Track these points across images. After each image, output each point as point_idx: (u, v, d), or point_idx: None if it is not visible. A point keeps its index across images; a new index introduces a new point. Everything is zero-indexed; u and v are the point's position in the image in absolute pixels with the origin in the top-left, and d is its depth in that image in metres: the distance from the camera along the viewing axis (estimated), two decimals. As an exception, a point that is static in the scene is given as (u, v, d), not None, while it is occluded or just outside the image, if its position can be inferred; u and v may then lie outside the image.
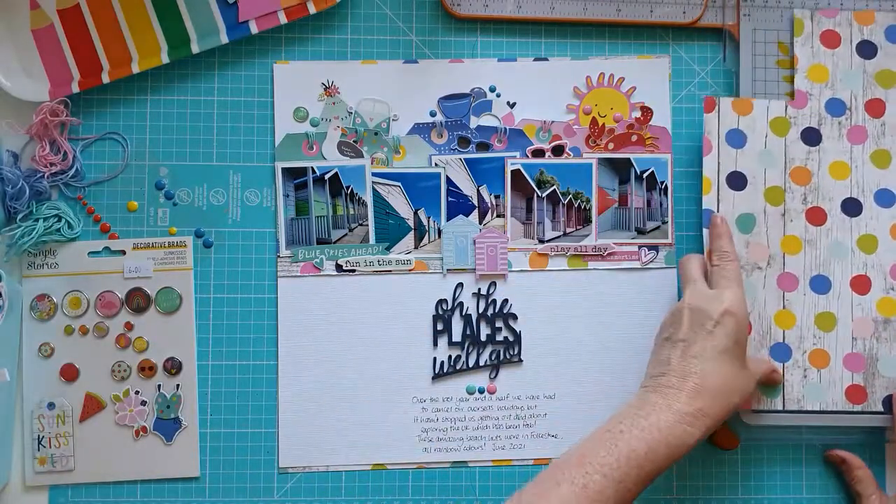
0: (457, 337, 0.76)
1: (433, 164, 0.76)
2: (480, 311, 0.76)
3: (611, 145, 0.77)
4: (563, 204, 0.77)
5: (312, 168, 0.76)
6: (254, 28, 0.76)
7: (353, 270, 0.76)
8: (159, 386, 0.76)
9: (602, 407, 0.76)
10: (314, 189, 0.76)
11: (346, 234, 0.76)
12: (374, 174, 0.76)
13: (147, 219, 0.77)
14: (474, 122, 0.77)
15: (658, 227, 0.77)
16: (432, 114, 0.77)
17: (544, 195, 0.77)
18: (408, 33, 0.79)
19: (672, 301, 0.76)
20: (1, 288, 0.71)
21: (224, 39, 0.76)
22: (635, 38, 0.79)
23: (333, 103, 0.76)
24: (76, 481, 0.75)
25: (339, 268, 0.76)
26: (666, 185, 0.77)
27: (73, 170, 0.76)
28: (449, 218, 0.76)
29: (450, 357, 0.76)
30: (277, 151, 0.76)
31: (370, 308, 0.76)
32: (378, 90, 0.77)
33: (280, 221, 0.76)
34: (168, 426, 0.76)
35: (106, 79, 0.76)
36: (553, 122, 0.77)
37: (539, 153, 0.77)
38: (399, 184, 0.76)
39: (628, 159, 0.77)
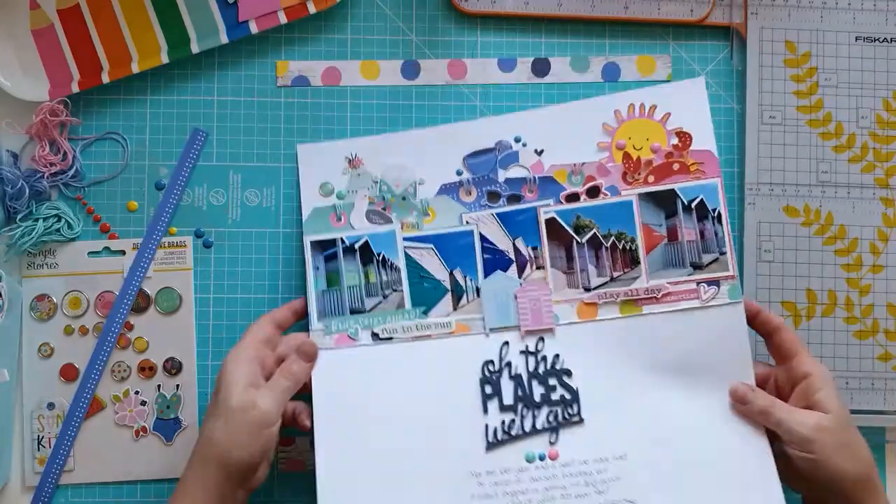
0: (508, 400, 0.69)
1: (464, 223, 0.72)
2: (531, 369, 0.70)
3: (651, 178, 0.71)
4: (606, 247, 0.71)
5: (342, 238, 0.72)
6: (253, 28, 0.76)
7: (391, 338, 0.70)
8: (159, 386, 0.76)
9: (681, 463, 0.67)
10: (344, 258, 0.72)
11: (380, 302, 0.71)
12: (405, 239, 0.72)
13: (147, 219, 0.77)
14: (502, 174, 0.73)
15: (716, 260, 0.70)
16: (458, 172, 0.73)
17: (584, 240, 0.71)
18: (408, 33, 0.79)
19: (741, 340, 0.69)
20: (1, 288, 0.71)
21: (224, 39, 0.76)
22: (636, 37, 0.79)
23: (359, 175, 0.73)
24: (76, 481, 0.75)
25: (375, 336, 0.70)
26: (719, 212, 0.70)
27: (73, 170, 0.76)
28: (486, 275, 0.72)
29: (503, 422, 0.69)
30: (305, 225, 0.72)
31: (411, 376, 0.70)
32: (402, 155, 0.73)
33: (311, 295, 0.71)
34: (168, 426, 0.76)
35: (106, 79, 0.76)
36: (584, 163, 0.72)
37: (573, 197, 0.72)
38: (431, 245, 0.72)
39: (672, 190, 0.71)
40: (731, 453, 0.68)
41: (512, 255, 0.72)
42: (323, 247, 0.72)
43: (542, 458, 0.68)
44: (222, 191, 0.78)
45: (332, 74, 0.78)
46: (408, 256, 0.72)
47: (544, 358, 0.70)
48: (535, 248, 0.71)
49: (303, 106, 0.78)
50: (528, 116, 0.73)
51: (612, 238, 0.71)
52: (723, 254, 0.70)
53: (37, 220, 0.75)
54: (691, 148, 0.71)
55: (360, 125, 0.78)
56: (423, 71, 0.79)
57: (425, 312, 0.71)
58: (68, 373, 0.75)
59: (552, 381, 0.69)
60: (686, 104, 0.71)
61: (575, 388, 0.69)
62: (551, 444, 0.69)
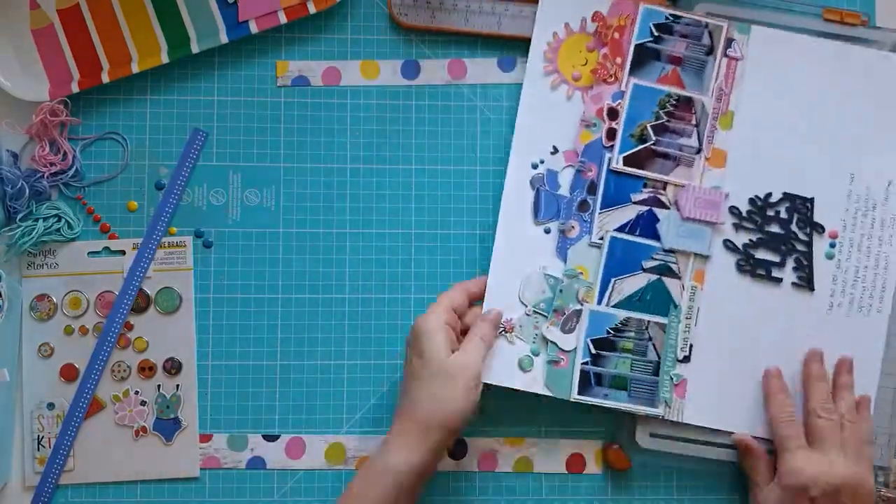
0: (775, 256, 0.75)
1: (598, 241, 0.74)
2: (752, 225, 0.75)
3: (618, 60, 0.75)
4: (667, 122, 0.75)
5: (586, 371, 0.73)
6: (253, 28, 0.76)
7: (690, 353, 0.74)
8: (159, 386, 0.76)
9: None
10: (606, 365, 0.73)
11: (649, 342, 0.74)
12: (598, 302, 0.74)
13: (147, 219, 0.77)
14: (562, 189, 0.75)
15: (710, 31, 0.76)
16: (547, 231, 0.75)
17: (656, 137, 0.75)
18: (408, 33, 0.79)
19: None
20: (1, 288, 0.71)
21: (224, 39, 0.76)
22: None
23: (521, 327, 0.73)
24: (76, 481, 0.75)
25: (685, 360, 0.74)
26: (669, 15, 0.75)
27: (73, 170, 0.76)
28: (655, 238, 0.74)
29: (799, 268, 0.75)
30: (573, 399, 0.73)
31: (734, 326, 0.75)
32: (509, 280, 0.74)
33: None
34: (168, 426, 0.76)
35: (106, 78, 0.76)
36: (581, 116, 0.75)
37: (611, 134, 0.75)
38: (617, 277, 0.74)
39: (636, 46, 0.75)
40: None
41: (646, 209, 0.74)
42: (583, 386, 0.73)
43: (832, 246, 0.75)
44: (222, 191, 0.78)
45: (332, 74, 0.78)
46: (621, 304, 0.74)
47: (748, 212, 0.75)
48: (644, 186, 0.75)
49: (303, 106, 0.78)
50: (518, 139, 0.75)
51: (661, 113, 0.75)
52: (705, 26, 0.75)
53: (37, 220, 0.75)
54: (607, 17, 0.75)
55: (360, 125, 0.78)
56: (423, 71, 0.79)
57: (675, 307, 0.74)
58: (68, 373, 0.75)
59: (770, 212, 0.75)
60: (558, 7, 0.76)
61: (769, 193, 0.75)
62: (820, 233, 0.75)
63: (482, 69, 0.79)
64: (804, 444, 0.70)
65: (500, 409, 0.76)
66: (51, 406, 0.75)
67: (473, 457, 0.76)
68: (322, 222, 0.78)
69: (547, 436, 0.77)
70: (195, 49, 0.76)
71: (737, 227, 0.75)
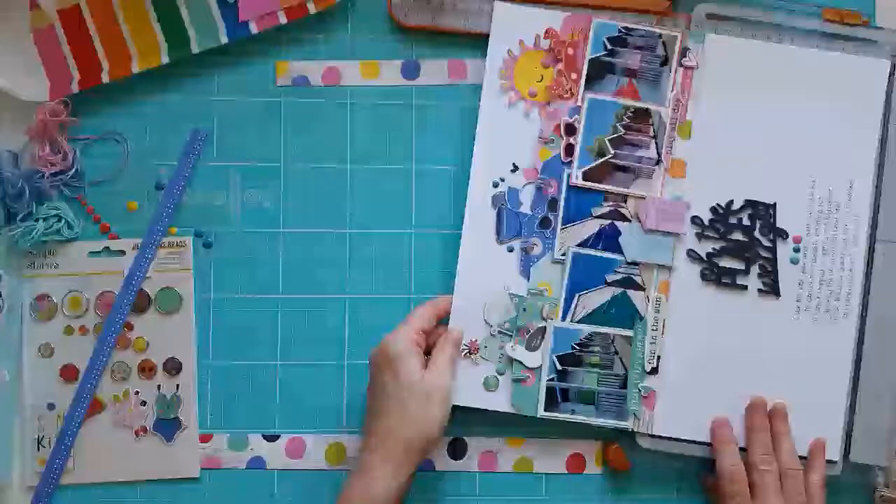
0: (739, 264, 0.75)
1: (561, 256, 0.74)
2: (714, 235, 0.75)
3: (573, 75, 0.75)
4: (624, 135, 0.75)
5: (556, 389, 0.74)
6: (254, 28, 0.76)
7: (657, 367, 0.74)
8: (159, 386, 0.76)
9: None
10: (572, 377, 0.74)
11: (617, 365, 0.74)
12: (557, 328, 0.74)
13: (147, 219, 0.77)
14: (524, 206, 0.75)
15: (664, 42, 0.75)
16: (510, 249, 0.75)
17: (615, 150, 0.75)
18: (408, 33, 0.79)
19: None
20: (1, 288, 0.71)
21: (224, 39, 0.76)
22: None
23: (486, 347, 0.74)
24: (76, 481, 0.75)
25: (653, 371, 0.74)
26: (622, 28, 0.75)
27: (73, 170, 0.76)
28: (616, 251, 0.75)
29: (764, 274, 0.75)
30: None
31: (703, 335, 0.75)
32: (465, 301, 0.74)
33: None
34: (168, 426, 0.76)
35: (106, 79, 0.76)
36: (538, 133, 0.76)
37: (569, 150, 0.75)
38: (579, 293, 0.74)
39: (591, 61, 0.75)
40: None
41: (607, 222, 0.75)
42: (550, 402, 0.73)
43: (796, 251, 0.75)
44: (222, 191, 0.78)
45: (332, 74, 0.78)
46: (586, 319, 0.74)
47: (711, 221, 0.75)
48: (605, 199, 0.75)
49: (303, 106, 0.78)
50: (477, 158, 0.75)
51: (618, 126, 0.75)
52: (658, 37, 0.75)
53: (37, 220, 0.75)
54: (560, 33, 0.75)
55: (361, 125, 0.78)
56: (423, 71, 0.79)
57: (641, 319, 0.74)
58: (68, 373, 0.75)
59: (732, 220, 0.75)
60: (512, 24, 0.76)
61: (730, 201, 0.75)
62: (784, 238, 0.75)
63: (482, 69, 0.78)
64: (747, 501, 0.70)
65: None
66: (51, 406, 0.75)
67: (473, 457, 0.77)
68: (322, 222, 0.78)
69: (547, 436, 0.77)
70: (195, 49, 0.76)
71: (700, 236, 0.75)
